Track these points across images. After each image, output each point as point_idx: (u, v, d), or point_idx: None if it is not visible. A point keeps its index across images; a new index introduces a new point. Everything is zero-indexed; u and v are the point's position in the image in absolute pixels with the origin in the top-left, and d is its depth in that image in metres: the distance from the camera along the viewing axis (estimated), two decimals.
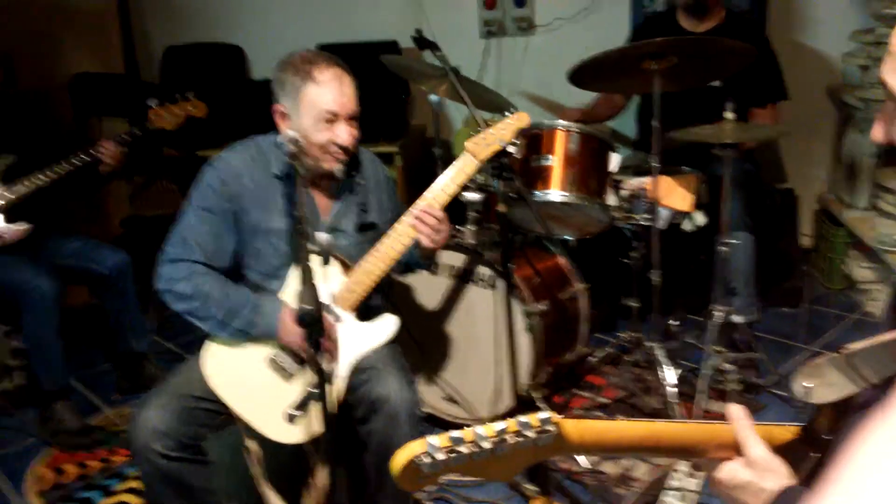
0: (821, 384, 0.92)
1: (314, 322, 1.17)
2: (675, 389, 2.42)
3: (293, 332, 1.78)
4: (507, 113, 1.96)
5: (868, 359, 0.88)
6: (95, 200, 3.71)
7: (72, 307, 2.82)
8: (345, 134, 1.84)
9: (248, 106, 3.60)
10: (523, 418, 0.79)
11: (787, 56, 3.00)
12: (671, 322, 3.06)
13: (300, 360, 1.84)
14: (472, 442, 0.76)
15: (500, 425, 0.77)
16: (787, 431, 0.97)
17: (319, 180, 1.93)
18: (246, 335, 1.81)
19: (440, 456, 0.75)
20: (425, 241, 1.88)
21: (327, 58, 1.87)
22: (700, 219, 2.56)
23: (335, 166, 1.87)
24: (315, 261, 1.86)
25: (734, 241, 2.53)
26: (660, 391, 2.48)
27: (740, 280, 2.77)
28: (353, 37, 3.73)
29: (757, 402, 2.60)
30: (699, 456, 0.95)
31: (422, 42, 2.31)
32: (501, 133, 1.92)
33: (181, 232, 1.85)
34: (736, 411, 0.93)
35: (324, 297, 1.49)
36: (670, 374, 2.45)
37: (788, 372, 2.76)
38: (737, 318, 2.62)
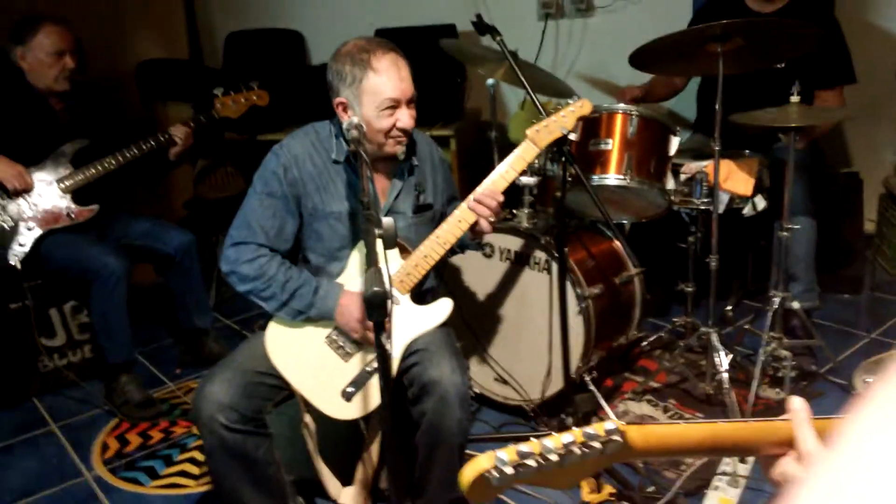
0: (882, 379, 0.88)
1: (381, 304, 1.21)
2: (728, 375, 2.39)
3: (351, 316, 1.85)
4: (569, 100, 1.96)
5: None
6: (162, 183, 3.83)
7: (139, 285, 2.92)
8: (406, 118, 1.88)
9: (307, 91, 3.69)
10: (589, 429, 0.79)
11: (856, 36, 2.90)
12: (727, 308, 3.02)
13: (357, 341, 1.90)
14: (539, 455, 0.76)
15: (567, 437, 0.78)
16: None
17: (378, 163, 1.97)
18: (305, 315, 1.87)
19: (508, 470, 0.75)
20: (484, 225, 1.91)
21: (381, 43, 1.89)
22: (761, 203, 2.52)
23: (398, 149, 1.92)
24: (378, 244, 1.94)
25: (795, 227, 2.47)
26: (714, 377, 2.46)
27: (800, 266, 2.71)
28: (410, 21, 3.75)
29: (813, 389, 2.56)
30: (757, 453, 0.94)
31: (481, 27, 2.32)
32: (563, 120, 1.93)
33: (245, 216, 1.91)
34: (796, 403, 0.91)
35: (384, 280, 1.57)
36: (724, 360, 2.42)
37: (847, 360, 2.71)
38: (795, 305, 2.56)
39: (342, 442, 2.13)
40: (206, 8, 4.14)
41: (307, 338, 1.90)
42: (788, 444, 0.90)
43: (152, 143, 2.76)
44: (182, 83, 3.88)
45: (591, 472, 0.87)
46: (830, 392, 2.54)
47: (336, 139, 1.96)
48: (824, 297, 2.83)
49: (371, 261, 1.27)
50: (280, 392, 1.90)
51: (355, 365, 1.90)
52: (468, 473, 0.75)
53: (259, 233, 1.89)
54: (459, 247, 2.13)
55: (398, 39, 1.95)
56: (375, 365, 1.87)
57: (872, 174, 3.52)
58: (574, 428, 0.78)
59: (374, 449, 2.09)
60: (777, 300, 2.49)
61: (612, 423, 0.79)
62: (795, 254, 2.65)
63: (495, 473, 0.75)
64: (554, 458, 0.76)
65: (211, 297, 3.34)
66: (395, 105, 1.86)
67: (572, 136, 1.92)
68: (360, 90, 1.85)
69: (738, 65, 2.35)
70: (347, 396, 1.87)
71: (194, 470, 2.43)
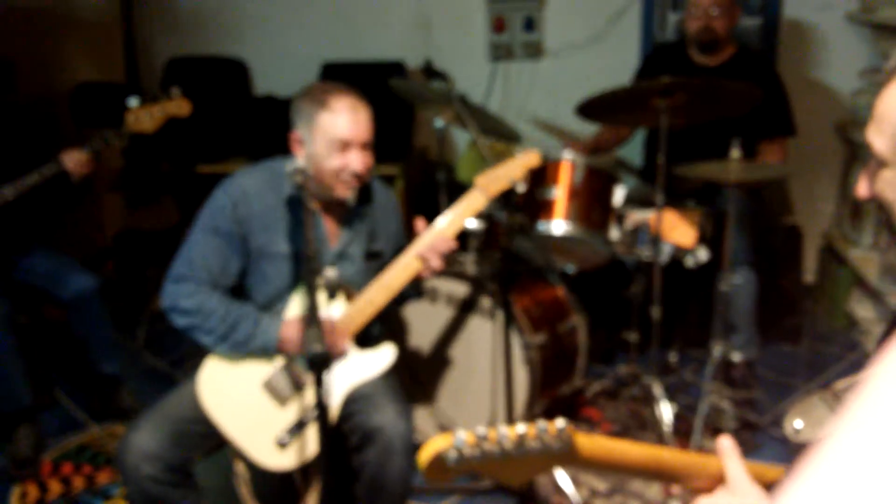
0: (810, 423, 0.96)
1: (324, 363, 1.17)
2: (671, 426, 2.41)
3: (292, 338, 1.83)
4: (519, 151, 2.00)
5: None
6: (88, 212, 3.67)
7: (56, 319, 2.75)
8: (357, 162, 1.86)
9: (249, 121, 3.60)
10: (542, 424, 0.84)
11: (797, 91, 3.00)
12: (669, 357, 3.04)
13: (296, 386, 1.87)
14: (495, 441, 0.82)
15: (521, 428, 0.83)
16: (776, 472, 1.02)
17: (330, 206, 1.95)
18: (245, 348, 1.83)
19: (466, 451, 0.81)
20: (426, 273, 1.91)
21: (344, 87, 1.91)
22: (703, 255, 2.53)
23: (347, 194, 1.89)
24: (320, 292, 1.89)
25: (736, 278, 2.51)
26: (656, 428, 2.46)
27: (741, 317, 2.74)
28: (358, 55, 3.71)
29: (753, 441, 2.58)
30: (691, 483, 1.01)
31: (431, 73, 2.31)
32: (512, 171, 1.95)
33: (189, 252, 1.89)
34: (726, 443, 0.99)
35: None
36: (667, 411, 2.44)
37: (784, 411, 2.73)
38: (736, 357, 2.59)
39: (275, 496, 2.05)
40: (147, 32, 4.02)
41: (242, 382, 1.86)
42: (719, 479, 0.99)
43: (46, 170, 2.48)
44: (116, 108, 3.74)
45: (539, 471, 0.92)
46: (769, 444, 2.56)
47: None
48: (764, 346, 2.87)
49: (312, 315, 1.23)
50: (210, 441, 1.85)
51: (292, 412, 1.86)
52: (428, 451, 0.81)
53: (201, 269, 1.86)
54: (401, 298, 2.09)
55: (346, 74, 1.93)
56: (313, 413, 1.84)
57: (812, 227, 3.61)
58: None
59: (311, 501, 2.01)
60: (718, 351, 2.51)
61: (562, 422, 0.85)
62: (737, 306, 2.68)
63: (453, 453, 0.80)
64: (508, 445, 0.82)
65: (139, 335, 3.19)
66: (345, 146, 1.85)
67: (521, 187, 1.92)
68: (314, 126, 1.85)
69: (683, 119, 2.40)
70: (282, 445, 1.83)
71: None
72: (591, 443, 0.88)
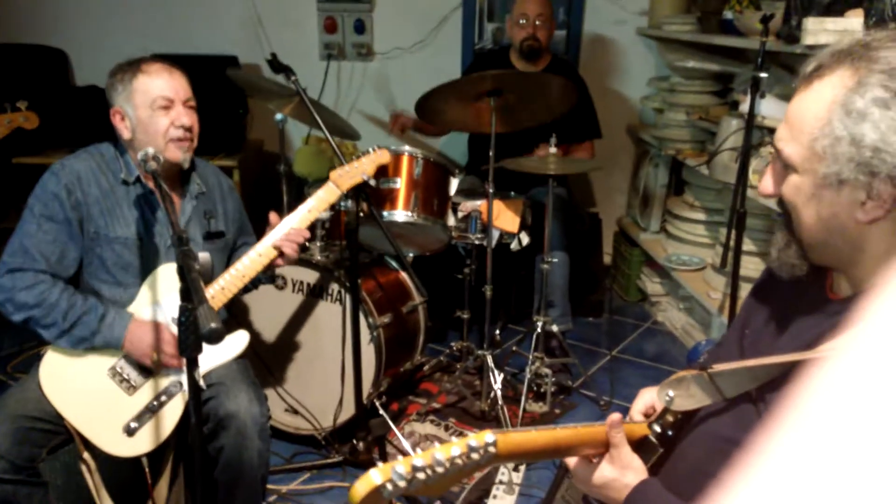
0: (682, 395, 1.09)
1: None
2: (500, 392, 2.66)
3: (143, 343, 1.80)
4: (370, 149, 2.14)
5: (730, 378, 1.04)
6: None
7: None
8: (184, 115, 1.88)
9: (70, 112, 3.45)
10: (472, 442, 0.86)
11: (596, 96, 3.41)
12: (496, 332, 3.34)
13: (145, 372, 1.85)
14: (430, 467, 0.82)
15: (455, 450, 0.84)
16: (642, 428, 1.16)
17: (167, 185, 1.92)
18: (88, 343, 1.79)
19: (402, 483, 0.80)
20: (283, 262, 1.97)
21: (155, 57, 1.95)
22: (525, 239, 2.85)
23: (179, 155, 1.90)
24: (166, 274, 1.90)
25: (553, 260, 2.84)
26: (489, 395, 2.73)
27: (557, 294, 3.10)
28: (188, 49, 3.68)
29: (570, 402, 2.93)
30: (582, 452, 1.10)
31: (276, 66, 2.39)
32: (364, 167, 2.10)
33: (21, 241, 1.80)
34: (615, 416, 1.08)
35: (174, 312, 1.53)
36: (497, 379, 2.69)
37: (595, 375, 3.14)
38: (554, 328, 2.91)
39: (125, 484, 2.04)
40: None
41: (87, 370, 1.82)
42: (604, 445, 1.09)
43: None
44: None
45: (462, 479, 0.93)
46: (583, 403, 2.93)
47: (122, 158, 1.92)
48: (574, 320, 3.26)
49: (197, 297, 1.28)
50: (55, 437, 1.79)
51: (141, 399, 1.84)
52: (360, 489, 0.79)
53: (38, 259, 1.79)
54: (253, 283, 2.16)
55: (178, 65, 1.97)
56: (163, 398, 1.86)
57: (609, 215, 4.10)
58: (454, 439, 0.87)
59: (162, 489, 2.02)
60: (539, 324, 2.83)
61: (490, 434, 0.88)
62: (553, 283, 3.02)
63: (389, 487, 0.80)
64: (441, 469, 0.82)
65: None
66: (168, 105, 1.86)
67: (371, 182, 2.09)
68: (131, 92, 1.85)
69: (508, 122, 2.68)
70: (130, 432, 1.81)
71: None
72: (508, 442, 0.91)
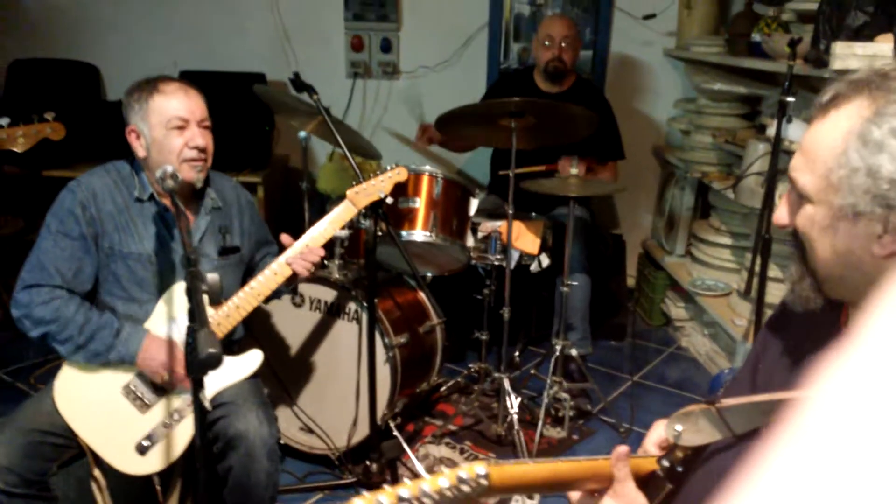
0: (690, 429, 1.06)
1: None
2: (517, 416, 2.61)
3: (155, 360, 1.80)
4: (388, 167, 2.12)
5: (738, 413, 1.01)
6: None
7: None
8: (198, 136, 1.88)
9: (100, 127, 3.51)
10: (463, 473, 0.84)
11: (621, 117, 3.38)
12: (515, 354, 3.31)
13: (158, 391, 1.85)
14: (416, 498, 0.80)
15: (443, 482, 0.82)
16: (650, 462, 1.12)
17: (182, 202, 1.92)
18: (103, 359, 1.80)
19: None
20: (298, 278, 1.98)
21: (171, 76, 1.95)
22: (545, 260, 2.83)
23: (193, 175, 1.90)
24: (179, 293, 1.91)
25: (574, 283, 2.80)
26: (506, 419, 2.68)
27: (577, 317, 3.06)
28: (217, 65, 3.73)
29: (588, 428, 2.88)
30: (584, 486, 1.06)
31: (299, 84, 2.41)
32: (381, 185, 2.08)
33: (39, 257, 1.82)
34: (622, 450, 1.04)
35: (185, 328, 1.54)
36: (514, 403, 2.65)
37: (615, 400, 3.08)
38: (573, 352, 2.87)
39: (134, 502, 2.04)
40: None
41: (101, 387, 1.82)
42: (609, 479, 1.05)
43: None
44: None
45: None
46: (602, 430, 2.86)
47: (138, 176, 1.93)
48: (594, 343, 3.20)
49: (200, 321, 1.27)
50: (66, 452, 1.80)
51: (153, 417, 1.84)
52: None
53: (55, 275, 1.80)
54: (275, 293, 2.16)
55: (205, 82, 1.99)
56: (176, 417, 1.86)
57: (634, 237, 4.06)
58: (445, 470, 0.84)
59: None
60: (558, 347, 2.78)
61: (482, 466, 0.85)
62: (573, 306, 2.99)
63: None
64: (429, 501, 0.80)
65: None
66: (183, 125, 1.86)
67: (388, 200, 2.08)
68: (148, 112, 1.85)
69: (529, 141, 2.65)
70: (142, 450, 1.81)
71: None
72: (502, 475, 0.88)
